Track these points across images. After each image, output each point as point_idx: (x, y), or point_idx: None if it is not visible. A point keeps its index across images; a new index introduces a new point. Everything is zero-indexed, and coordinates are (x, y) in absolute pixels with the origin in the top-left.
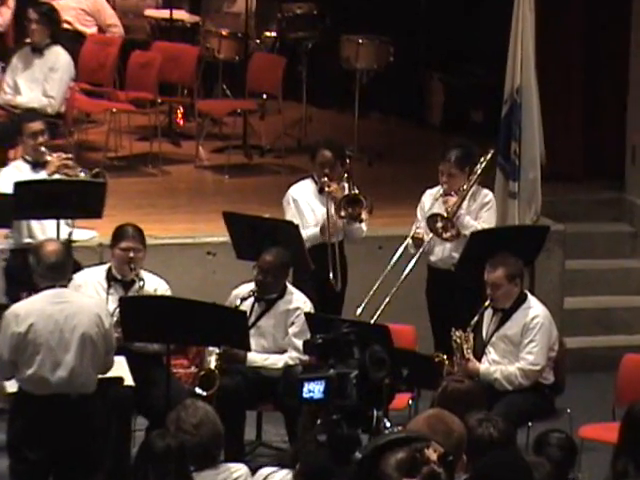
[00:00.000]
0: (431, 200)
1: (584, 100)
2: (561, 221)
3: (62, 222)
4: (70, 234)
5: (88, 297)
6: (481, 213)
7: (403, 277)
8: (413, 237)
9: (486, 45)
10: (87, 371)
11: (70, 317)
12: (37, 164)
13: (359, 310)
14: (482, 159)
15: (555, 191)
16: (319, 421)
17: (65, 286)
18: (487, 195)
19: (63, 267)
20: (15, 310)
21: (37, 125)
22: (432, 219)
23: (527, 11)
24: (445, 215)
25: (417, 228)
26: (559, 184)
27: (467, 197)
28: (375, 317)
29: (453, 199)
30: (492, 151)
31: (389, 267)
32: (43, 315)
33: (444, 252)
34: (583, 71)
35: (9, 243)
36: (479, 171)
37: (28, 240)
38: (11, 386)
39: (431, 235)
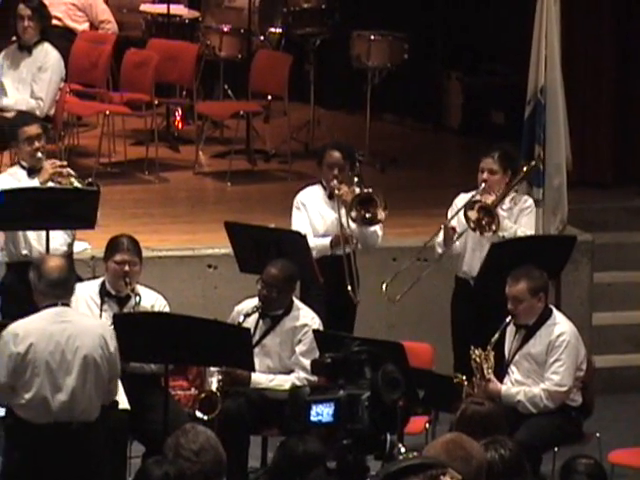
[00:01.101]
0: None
1: (615, 100)
2: (589, 230)
3: (62, 233)
4: (70, 246)
5: (93, 317)
6: (520, 218)
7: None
8: (445, 226)
9: (508, 41)
10: (89, 396)
11: (72, 338)
12: (34, 170)
13: (384, 286)
14: (525, 166)
15: (583, 198)
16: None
17: (68, 305)
18: (527, 200)
19: (66, 284)
20: (14, 329)
21: (33, 129)
22: (471, 205)
23: (552, 3)
24: (488, 204)
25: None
26: (587, 191)
27: (506, 200)
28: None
29: (492, 197)
30: (536, 159)
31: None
32: (44, 335)
33: (473, 262)
34: (614, 68)
35: (2, 256)
36: (520, 177)
37: (25, 252)
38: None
39: (460, 232)
